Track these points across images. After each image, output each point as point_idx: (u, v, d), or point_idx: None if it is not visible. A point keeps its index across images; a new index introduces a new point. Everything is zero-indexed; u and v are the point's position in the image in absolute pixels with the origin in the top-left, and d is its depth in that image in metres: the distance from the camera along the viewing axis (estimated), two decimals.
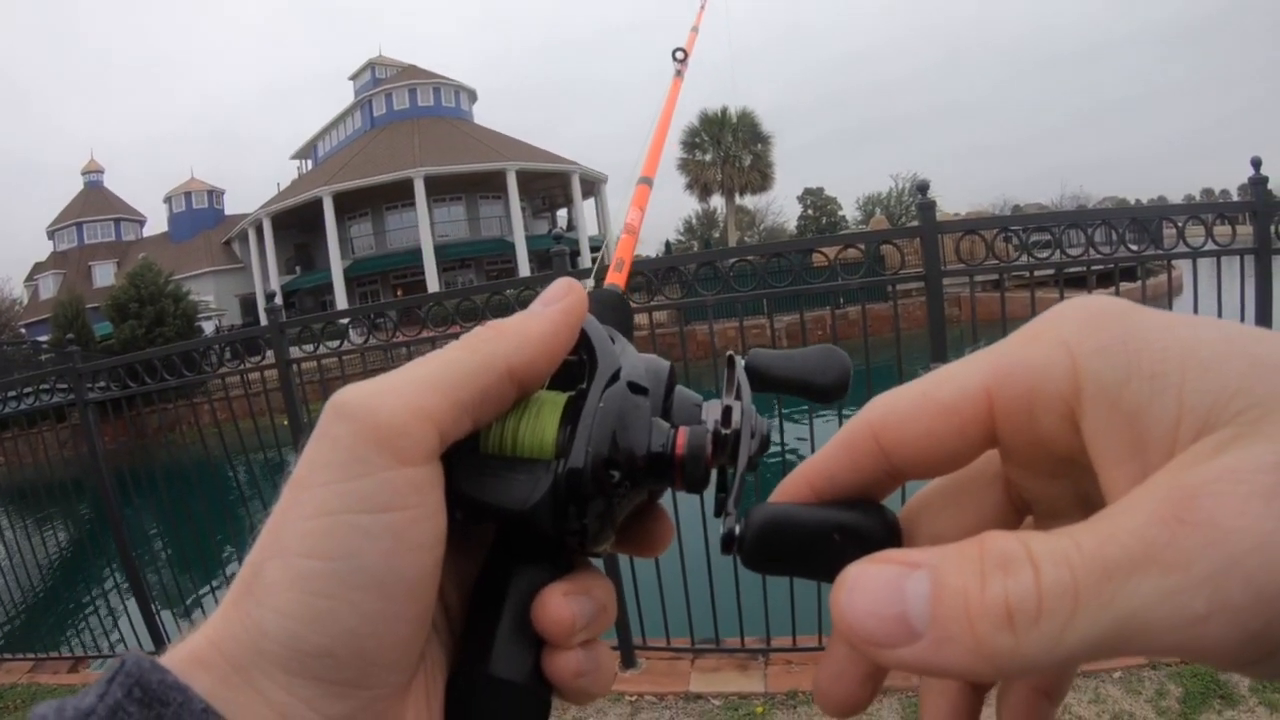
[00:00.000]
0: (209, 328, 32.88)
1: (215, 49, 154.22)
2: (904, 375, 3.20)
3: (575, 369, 0.33)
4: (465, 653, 0.31)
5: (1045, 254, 3.19)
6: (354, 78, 47.93)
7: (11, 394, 5.53)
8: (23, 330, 43.09)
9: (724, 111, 39.05)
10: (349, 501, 0.26)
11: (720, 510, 0.31)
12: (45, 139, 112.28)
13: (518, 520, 0.30)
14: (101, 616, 5.27)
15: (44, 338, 31.82)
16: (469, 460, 0.30)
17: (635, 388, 0.32)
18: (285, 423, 3.98)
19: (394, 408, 0.27)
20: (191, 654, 0.26)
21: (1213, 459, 0.20)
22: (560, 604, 0.30)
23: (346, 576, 0.26)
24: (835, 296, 3.61)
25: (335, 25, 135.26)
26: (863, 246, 3.12)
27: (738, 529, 0.29)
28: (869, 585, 0.23)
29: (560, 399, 0.31)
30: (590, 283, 0.38)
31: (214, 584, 4.72)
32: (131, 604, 4.71)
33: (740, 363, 0.35)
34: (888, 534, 0.28)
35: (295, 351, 3.80)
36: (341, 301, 35.98)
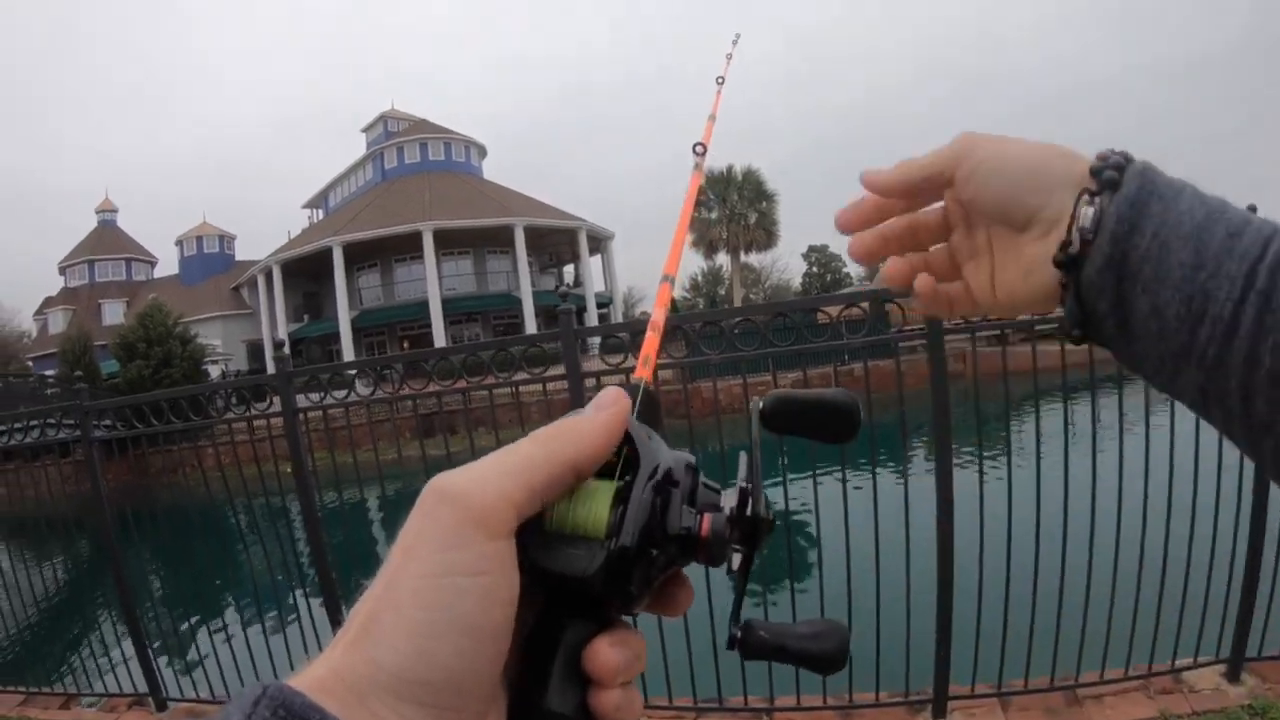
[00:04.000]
0: (215, 372, 32.97)
1: (231, 90, 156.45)
2: (908, 430, 3.23)
3: (617, 459, 0.40)
4: (525, 689, 0.37)
5: None
6: (366, 130, 48.66)
7: (17, 426, 5.54)
8: (30, 363, 43.32)
9: (729, 170, 39.49)
10: (450, 567, 0.34)
11: (734, 616, 0.42)
12: (59, 173, 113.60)
13: (577, 585, 0.37)
14: (96, 655, 5.22)
15: (50, 372, 31.93)
16: (537, 536, 0.37)
17: (670, 480, 0.39)
18: (288, 470, 3.98)
19: (485, 494, 0.35)
20: (317, 682, 0.32)
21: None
22: (608, 652, 0.37)
23: (447, 624, 0.33)
24: (839, 354, 3.63)
25: (350, 69, 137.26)
26: (866, 305, 3.14)
27: (739, 634, 0.42)
28: (871, 168, 0.54)
29: (609, 488, 0.39)
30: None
31: (210, 626, 4.67)
32: (127, 644, 4.66)
33: (755, 412, 0.46)
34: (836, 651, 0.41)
35: (301, 400, 3.83)
36: (348, 351, 36.10)
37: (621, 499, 0.38)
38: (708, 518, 0.39)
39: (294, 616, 4.12)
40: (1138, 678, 3.04)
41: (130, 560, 4.56)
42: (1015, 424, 4.43)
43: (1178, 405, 0.49)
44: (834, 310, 3.12)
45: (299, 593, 4.10)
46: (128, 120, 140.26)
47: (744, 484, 0.41)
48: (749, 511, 0.40)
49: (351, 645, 0.33)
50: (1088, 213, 0.45)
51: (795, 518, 5.54)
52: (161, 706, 4.34)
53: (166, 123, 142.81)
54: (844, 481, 3.04)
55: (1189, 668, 3.07)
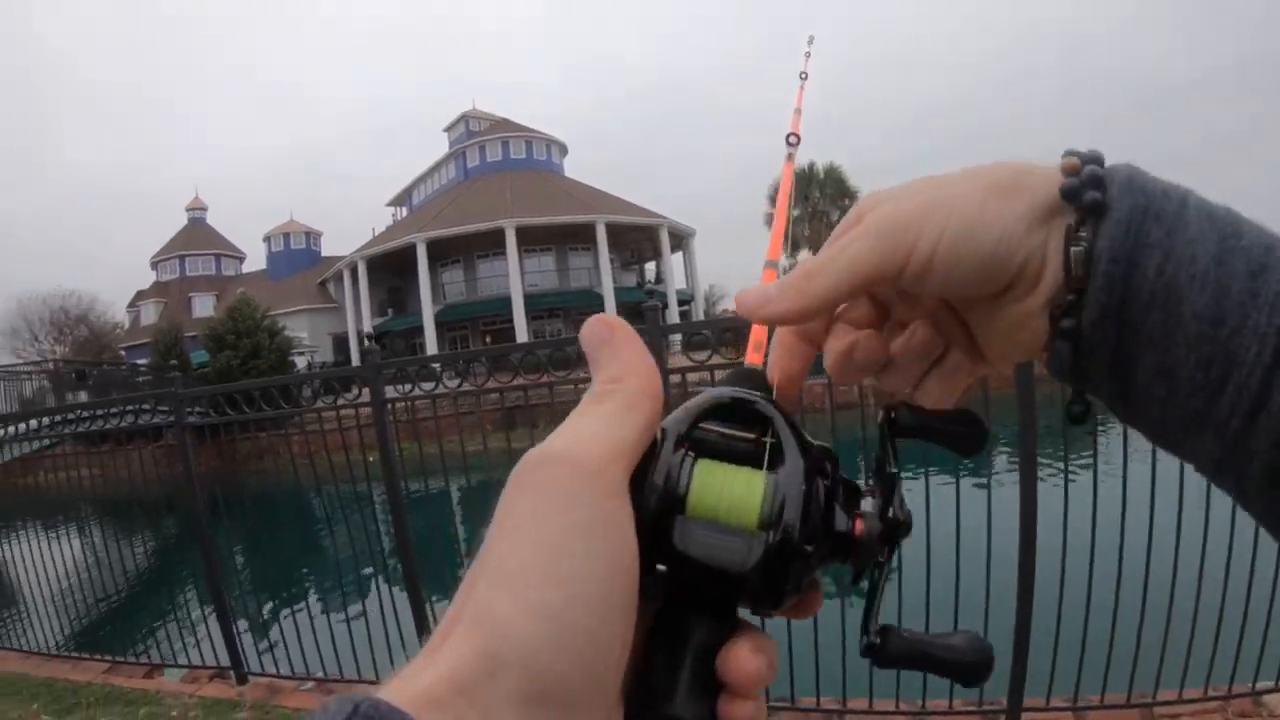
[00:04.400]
0: (301, 363, 33.90)
1: (317, 91, 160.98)
2: (989, 433, 3.14)
3: (759, 446, 0.37)
4: (646, 692, 0.34)
5: None
6: (448, 129, 49.36)
7: (113, 410, 5.83)
8: (122, 353, 44.89)
9: (811, 167, 39.09)
10: (571, 533, 0.30)
11: (865, 625, 0.37)
12: (151, 173, 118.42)
13: (727, 580, 0.34)
14: (182, 629, 5.44)
15: (142, 361, 33.32)
16: (679, 522, 0.34)
17: (823, 474, 0.36)
18: (372, 459, 4.10)
19: (594, 451, 0.32)
20: (424, 692, 0.27)
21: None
22: (751, 658, 0.34)
23: (575, 601, 0.29)
24: None
25: (432, 70, 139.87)
26: None
27: (878, 641, 0.37)
28: (752, 291, 0.40)
29: (758, 477, 0.35)
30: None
31: (294, 608, 4.83)
32: (205, 618, 4.90)
33: (888, 423, 0.41)
34: (982, 662, 0.36)
35: (390, 391, 3.94)
36: (432, 345, 36.71)
37: (774, 490, 0.35)
38: (860, 518, 0.37)
39: (374, 599, 4.22)
40: (1217, 699, 2.94)
41: (217, 540, 4.73)
42: (1102, 431, 4.29)
43: None
44: None
45: (379, 579, 4.23)
46: (217, 122, 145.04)
47: (880, 483, 0.38)
48: (890, 513, 0.37)
49: (462, 641, 0.28)
50: (1076, 253, 0.36)
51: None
52: (242, 680, 4.50)
53: (254, 125, 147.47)
54: (926, 487, 3.00)
55: (1270, 690, 2.94)
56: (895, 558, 0.38)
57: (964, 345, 0.43)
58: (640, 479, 0.34)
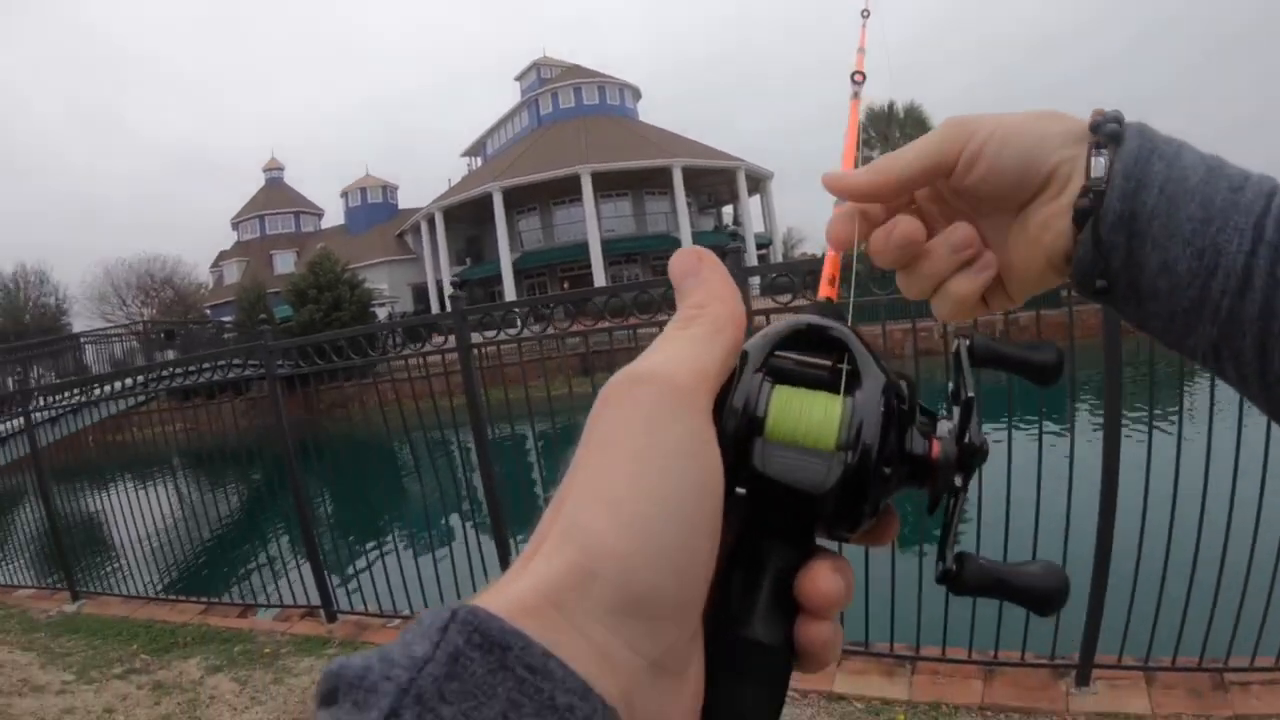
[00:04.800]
0: (382, 314, 34.55)
1: (387, 45, 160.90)
2: (1074, 385, 3.08)
3: (834, 373, 0.37)
4: (725, 613, 0.34)
5: None
6: (519, 78, 49.23)
7: (206, 365, 6.07)
8: (207, 311, 46.41)
9: (890, 106, 38.01)
10: (662, 449, 0.30)
11: (941, 552, 0.38)
12: (229, 135, 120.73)
13: (805, 501, 0.34)
14: (274, 570, 5.69)
15: (228, 319, 34.48)
16: (757, 442, 0.35)
17: (900, 398, 0.37)
18: (455, 403, 4.21)
19: (684, 372, 0.33)
20: (516, 602, 0.27)
21: None
22: (830, 578, 0.34)
23: (666, 515, 0.29)
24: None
25: (502, 19, 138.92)
26: None
27: (954, 568, 0.37)
28: (834, 170, 0.51)
29: (835, 400, 0.36)
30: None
31: (383, 549, 5.02)
32: (296, 561, 5.09)
33: (965, 350, 0.43)
34: (1058, 589, 0.37)
35: (475, 337, 4.01)
36: (510, 292, 36.92)
37: (851, 413, 0.35)
38: (937, 440, 0.37)
39: (459, 541, 4.34)
40: None
41: (307, 486, 4.91)
42: (1189, 387, 4.15)
43: None
44: None
45: (465, 522, 4.35)
46: (291, 82, 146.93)
47: (958, 410, 0.39)
48: (967, 439, 0.37)
49: (552, 554, 0.29)
50: (1099, 162, 0.44)
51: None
52: (332, 618, 4.68)
53: (327, 82, 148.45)
54: (1009, 439, 2.97)
55: None
56: (970, 486, 0.38)
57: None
58: (720, 403, 0.34)
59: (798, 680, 3.24)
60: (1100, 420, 2.95)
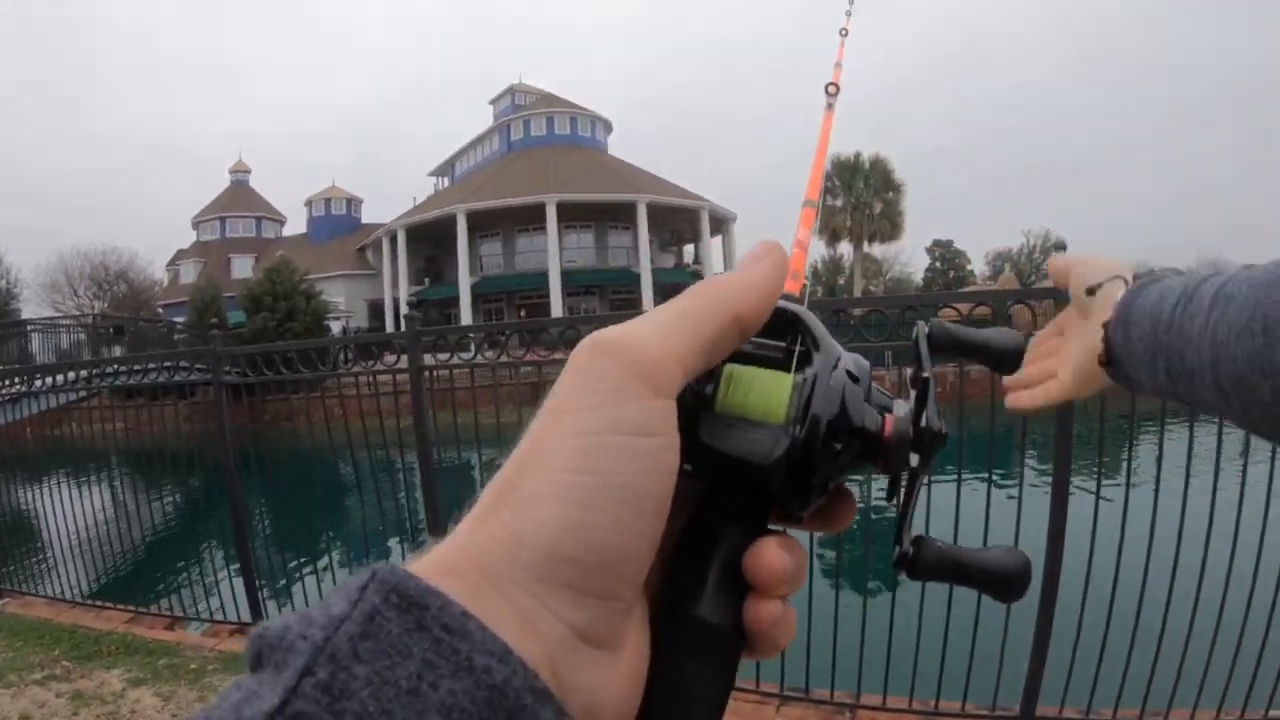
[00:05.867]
0: (336, 328, 34.27)
1: (363, 59, 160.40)
2: (1026, 437, 3.14)
3: (785, 354, 0.36)
4: (674, 592, 0.33)
5: None
6: (494, 102, 49.44)
7: (151, 366, 5.91)
8: (160, 310, 45.55)
9: (857, 157, 38.77)
10: (613, 424, 0.29)
11: (898, 535, 0.36)
12: (196, 133, 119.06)
13: (752, 474, 0.33)
14: (205, 583, 5.51)
15: (180, 319, 33.89)
16: (706, 416, 0.34)
17: (852, 376, 0.36)
18: (402, 424, 4.14)
19: (652, 346, 0.31)
20: (440, 563, 0.27)
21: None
22: (776, 553, 0.33)
23: (605, 491, 0.28)
24: None
25: (478, 40, 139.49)
26: (991, 304, 3.07)
27: (910, 551, 0.36)
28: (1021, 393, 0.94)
29: (786, 378, 0.35)
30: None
31: (317, 566, 4.90)
32: (229, 574, 4.97)
33: (923, 335, 0.42)
34: (1019, 573, 0.37)
35: (427, 359, 3.97)
36: (467, 315, 36.99)
37: (802, 386, 0.34)
38: (890, 418, 0.36)
39: (396, 562, 4.26)
40: None
41: (245, 498, 4.79)
42: (1138, 443, 4.22)
43: None
44: (964, 307, 3.06)
45: (404, 544, 4.28)
46: (263, 86, 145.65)
47: (915, 394, 0.38)
48: (924, 422, 0.36)
49: (484, 517, 0.29)
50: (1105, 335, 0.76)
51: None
52: None
53: (299, 90, 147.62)
54: (958, 487, 2.99)
55: None
56: (928, 471, 0.37)
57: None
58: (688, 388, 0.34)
59: None
60: (1049, 476, 2.98)
